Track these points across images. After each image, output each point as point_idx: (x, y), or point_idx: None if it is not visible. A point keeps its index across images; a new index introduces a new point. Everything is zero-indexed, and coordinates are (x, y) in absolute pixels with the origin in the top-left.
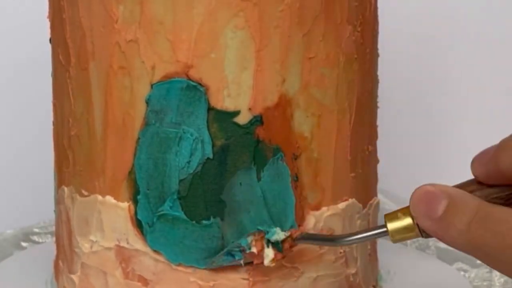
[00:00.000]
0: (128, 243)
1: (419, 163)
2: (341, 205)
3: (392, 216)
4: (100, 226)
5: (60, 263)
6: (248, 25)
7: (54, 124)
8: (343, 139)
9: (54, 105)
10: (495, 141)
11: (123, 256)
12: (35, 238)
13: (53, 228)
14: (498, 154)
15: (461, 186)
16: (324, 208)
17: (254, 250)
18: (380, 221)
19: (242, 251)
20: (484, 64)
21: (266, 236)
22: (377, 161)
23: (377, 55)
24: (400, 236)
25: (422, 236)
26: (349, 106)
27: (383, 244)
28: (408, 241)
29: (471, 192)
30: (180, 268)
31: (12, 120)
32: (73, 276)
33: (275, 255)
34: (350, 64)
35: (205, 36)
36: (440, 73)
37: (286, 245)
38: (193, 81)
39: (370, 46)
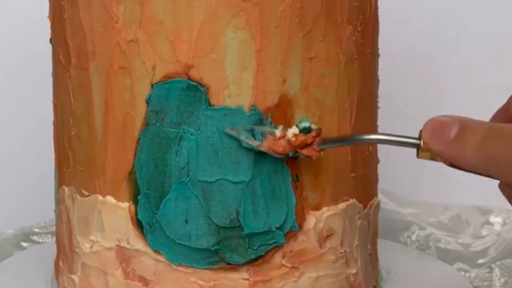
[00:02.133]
0: (128, 243)
1: (419, 163)
2: (342, 205)
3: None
4: (101, 226)
5: (61, 263)
6: (249, 25)
7: (54, 124)
8: None
9: (55, 105)
10: None
11: (124, 256)
12: (35, 238)
13: (53, 228)
14: (509, 105)
15: None
16: (324, 208)
17: (278, 133)
18: (380, 221)
19: (263, 133)
20: (485, 64)
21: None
22: (377, 161)
23: (378, 55)
24: (425, 154)
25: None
26: (349, 106)
27: (383, 244)
28: (408, 241)
29: None
30: (180, 268)
31: (13, 120)
32: (73, 276)
33: (297, 135)
34: (351, 64)
35: (205, 36)
36: (441, 73)
37: (309, 137)
38: (193, 81)
39: (370, 46)
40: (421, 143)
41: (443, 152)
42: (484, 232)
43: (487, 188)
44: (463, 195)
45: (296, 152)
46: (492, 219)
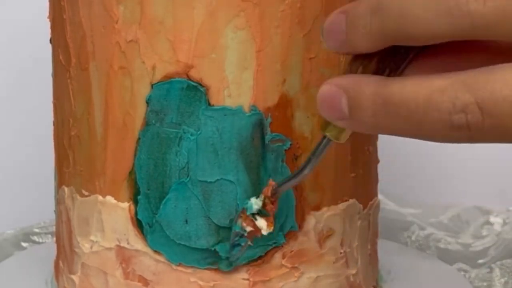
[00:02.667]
0: (128, 243)
1: (419, 163)
2: (342, 205)
3: (325, 123)
4: (101, 226)
5: (60, 263)
6: (249, 25)
7: (54, 124)
8: None
9: (55, 105)
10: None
11: (124, 256)
12: (35, 238)
13: (53, 228)
14: None
15: (349, 70)
16: (324, 209)
17: (249, 228)
18: (380, 221)
19: (242, 236)
20: None
21: (247, 213)
22: (377, 161)
23: None
24: (341, 135)
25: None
26: None
27: (383, 245)
28: (408, 241)
29: (357, 71)
30: (180, 268)
31: (13, 120)
32: (73, 276)
33: (267, 220)
34: None
35: (205, 36)
36: None
37: (269, 206)
38: (193, 81)
39: None
40: (327, 134)
41: (348, 127)
42: (484, 232)
43: (487, 188)
44: (463, 195)
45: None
46: (492, 219)
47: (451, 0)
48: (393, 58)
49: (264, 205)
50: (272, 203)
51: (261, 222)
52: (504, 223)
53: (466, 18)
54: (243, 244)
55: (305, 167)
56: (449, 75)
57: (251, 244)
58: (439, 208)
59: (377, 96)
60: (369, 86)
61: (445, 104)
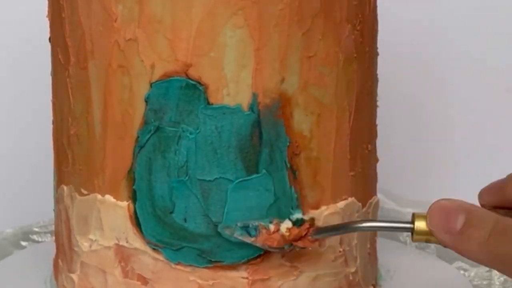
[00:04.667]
0: (127, 242)
1: (419, 162)
2: (341, 204)
3: (421, 217)
4: (100, 225)
5: (60, 262)
6: (247, 23)
7: (53, 123)
8: (342, 138)
9: (54, 104)
10: (494, 141)
11: (123, 255)
12: (35, 237)
13: (53, 227)
14: (506, 185)
15: None
16: (323, 207)
17: (272, 228)
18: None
19: (257, 228)
20: (485, 64)
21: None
22: (376, 160)
23: (377, 54)
24: (420, 237)
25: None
26: (348, 105)
27: (382, 243)
28: (408, 240)
29: None
30: (179, 267)
31: (12, 120)
32: (72, 275)
33: (291, 229)
34: (350, 63)
35: (204, 34)
36: (440, 72)
37: (303, 230)
38: (192, 79)
39: (369, 45)
40: (415, 227)
41: (447, 242)
42: None
43: None
44: (463, 195)
45: (292, 244)
46: None
47: None
48: None
49: (301, 224)
50: (305, 234)
51: (287, 224)
52: None
53: None
54: (252, 234)
55: (358, 226)
56: None
57: (253, 243)
58: None
59: (498, 221)
60: (492, 214)
61: None
